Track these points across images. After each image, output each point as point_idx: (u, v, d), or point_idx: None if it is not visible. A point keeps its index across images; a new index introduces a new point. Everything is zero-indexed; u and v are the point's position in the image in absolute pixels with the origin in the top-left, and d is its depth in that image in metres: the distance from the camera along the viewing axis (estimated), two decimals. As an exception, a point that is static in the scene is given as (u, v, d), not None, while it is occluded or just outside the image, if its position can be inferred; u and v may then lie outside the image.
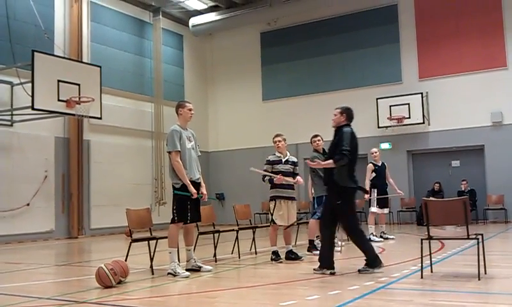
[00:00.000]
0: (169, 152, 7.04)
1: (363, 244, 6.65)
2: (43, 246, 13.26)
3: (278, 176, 8.01)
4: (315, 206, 9.27)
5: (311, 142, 9.46)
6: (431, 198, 6.35)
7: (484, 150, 16.86)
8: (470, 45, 17.11)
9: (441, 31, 17.60)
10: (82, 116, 13.53)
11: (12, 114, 14.16)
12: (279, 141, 8.37)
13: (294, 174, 8.29)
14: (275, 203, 8.16)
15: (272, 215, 8.16)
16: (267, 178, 8.13)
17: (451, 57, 17.36)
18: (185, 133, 7.18)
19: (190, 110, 7.28)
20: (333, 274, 6.43)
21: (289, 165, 8.29)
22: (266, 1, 19.22)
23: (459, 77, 17.22)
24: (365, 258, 6.53)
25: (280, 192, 8.15)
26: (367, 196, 11.15)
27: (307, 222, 9.98)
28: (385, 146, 17.82)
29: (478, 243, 5.90)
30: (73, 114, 13.39)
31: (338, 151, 6.46)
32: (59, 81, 12.85)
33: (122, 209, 8.26)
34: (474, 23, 17.11)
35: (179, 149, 7.00)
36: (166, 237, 7.16)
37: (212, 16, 20.19)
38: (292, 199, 8.32)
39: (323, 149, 9.41)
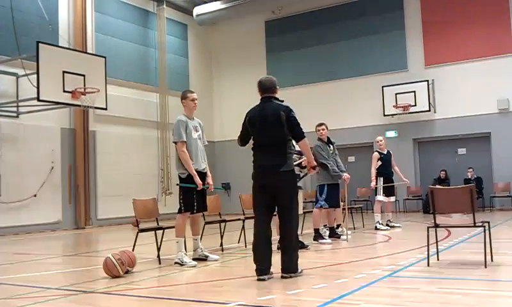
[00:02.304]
0: (175, 142, 7.05)
1: None
2: (51, 237, 13.34)
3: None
4: (318, 194, 9.27)
5: (316, 131, 9.42)
6: (437, 186, 6.31)
7: (491, 138, 16.78)
8: (476, 32, 16.98)
9: (446, 18, 17.47)
10: (88, 106, 13.56)
11: (18, 106, 14.20)
12: None
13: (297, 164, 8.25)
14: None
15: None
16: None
17: (457, 44, 17.24)
18: (191, 123, 7.17)
19: (193, 100, 7.25)
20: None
21: (296, 155, 8.26)
22: (270, -11, 19.16)
23: (465, 64, 17.11)
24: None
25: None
26: (373, 185, 11.16)
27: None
28: (391, 134, 17.77)
29: (484, 230, 5.89)
30: (79, 105, 13.43)
31: None
32: (64, 72, 12.90)
33: (129, 199, 8.28)
34: (480, 9, 16.97)
35: (185, 140, 7.00)
36: (172, 227, 7.18)
37: (217, 5, 20.12)
38: (298, 188, 8.28)
39: (328, 138, 9.38)
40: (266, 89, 5.91)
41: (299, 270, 5.71)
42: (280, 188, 5.65)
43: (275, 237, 8.19)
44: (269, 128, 5.71)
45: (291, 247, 5.67)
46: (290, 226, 5.70)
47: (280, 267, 5.65)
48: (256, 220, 5.78)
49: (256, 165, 5.85)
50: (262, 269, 5.56)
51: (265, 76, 6.13)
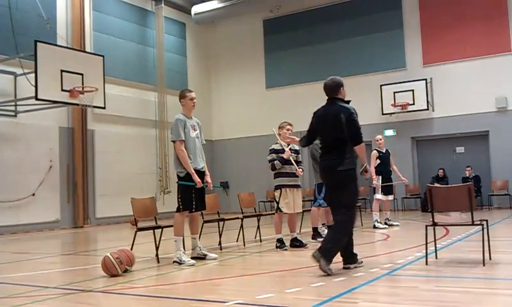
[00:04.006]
0: (174, 141, 7.05)
1: None
2: (49, 236, 13.34)
3: (287, 151, 8.01)
4: (316, 193, 9.27)
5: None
6: (436, 184, 6.32)
7: (489, 136, 16.80)
8: (474, 31, 17.00)
9: (445, 17, 17.48)
10: (86, 105, 13.55)
11: (16, 105, 14.18)
12: (290, 130, 8.33)
13: (296, 163, 8.27)
14: (281, 192, 8.14)
15: (278, 203, 8.16)
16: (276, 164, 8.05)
17: (455, 43, 17.25)
18: (189, 122, 7.17)
19: (192, 99, 7.26)
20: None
21: (293, 154, 8.27)
22: (269, -12, 19.15)
23: (463, 62, 17.13)
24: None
25: (285, 180, 8.14)
26: (374, 183, 11.16)
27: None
28: (389, 132, 17.78)
29: (483, 229, 5.90)
30: (77, 104, 13.41)
31: None
32: (62, 71, 12.87)
33: (127, 198, 8.28)
34: (478, 8, 16.98)
35: (183, 139, 7.00)
36: (171, 226, 7.19)
37: (215, 4, 20.10)
38: (297, 187, 8.31)
39: None
40: (329, 90, 6.05)
41: (359, 261, 5.97)
42: (336, 186, 5.85)
43: (286, 234, 8.21)
44: (329, 129, 5.87)
45: (336, 240, 5.74)
46: (344, 221, 5.81)
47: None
48: (336, 217, 5.99)
49: (320, 165, 6.14)
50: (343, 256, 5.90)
51: (330, 77, 6.16)
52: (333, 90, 6.02)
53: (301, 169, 8.24)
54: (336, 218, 5.90)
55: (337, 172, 5.76)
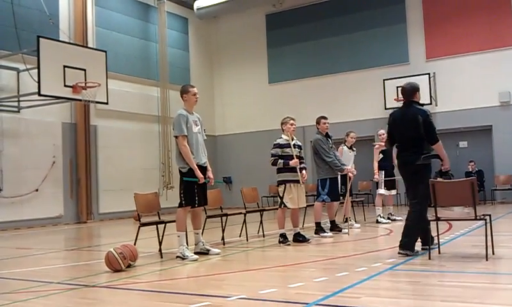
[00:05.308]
0: (176, 136, 7.04)
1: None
2: (53, 231, 13.38)
3: (294, 161, 8.02)
4: (319, 188, 9.26)
5: (318, 123, 9.35)
6: (439, 179, 6.33)
7: (492, 130, 16.76)
8: (478, 25, 16.93)
9: (448, 11, 17.42)
10: (89, 101, 13.56)
11: (19, 101, 14.21)
12: (294, 125, 8.33)
13: (299, 158, 8.25)
14: (285, 187, 8.14)
15: (282, 198, 8.15)
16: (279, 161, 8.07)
17: (458, 37, 17.19)
18: (191, 118, 7.17)
19: (194, 94, 7.26)
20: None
21: (296, 149, 8.26)
22: (271, -17, 19.10)
23: (466, 56, 17.08)
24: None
25: (289, 176, 8.13)
26: (376, 177, 11.14)
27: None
28: (392, 127, 17.70)
29: (486, 224, 5.89)
30: (80, 100, 13.42)
31: None
32: (65, 67, 12.88)
33: (130, 193, 8.30)
34: (481, 2, 16.92)
35: (186, 134, 7.00)
36: (174, 221, 7.20)
37: (217, -1, 20.07)
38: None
39: (326, 132, 9.30)
40: (407, 94, 6.63)
41: (416, 251, 6.31)
42: (413, 179, 6.44)
43: (289, 229, 8.21)
44: (406, 129, 6.43)
45: (413, 228, 6.34)
46: (416, 210, 6.37)
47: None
48: (411, 204, 6.59)
49: (398, 161, 6.70)
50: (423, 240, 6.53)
51: (407, 82, 6.84)
52: (410, 94, 6.61)
53: (304, 173, 8.22)
54: (412, 209, 6.44)
55: (414, 166, 6.33)
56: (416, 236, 6.41)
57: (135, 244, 7.08)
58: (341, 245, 8.11)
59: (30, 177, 14.46)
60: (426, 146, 6.37)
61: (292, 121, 8.34)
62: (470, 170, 16.27)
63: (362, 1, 18.84)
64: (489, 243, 5.91)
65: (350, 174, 9.66)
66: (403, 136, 6.54)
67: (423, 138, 6.32)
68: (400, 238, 6.40)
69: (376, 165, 11.17)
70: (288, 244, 8.04)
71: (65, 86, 12.86)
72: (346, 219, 9.80)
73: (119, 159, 17.05)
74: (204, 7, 20.39)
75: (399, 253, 6.29)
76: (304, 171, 8.24)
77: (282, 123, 8.43)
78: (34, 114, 14.46)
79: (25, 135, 14.50)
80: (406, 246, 6.29)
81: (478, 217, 5.91)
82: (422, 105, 6.62)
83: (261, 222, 9.58)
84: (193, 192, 7.00)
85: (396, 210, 13.84)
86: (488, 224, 5.90)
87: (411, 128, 6.35)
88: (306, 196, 8.78)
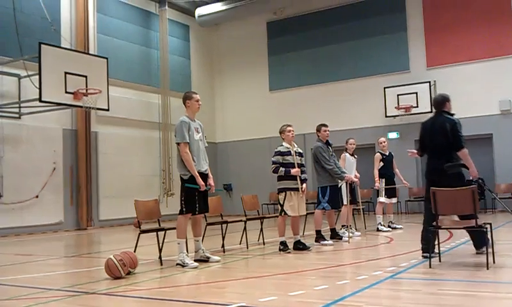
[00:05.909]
0: (178, 143, 7.04)
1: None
2: (53, 238, 13.36)
3: (296, 170, 8.03)
4: (320, 196, 9.25)
5: (318, 131, 9.36)
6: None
7: (493, 139, 16.75)
8: (478, 33, 16.96)
9: (448, 19, 17.46)
10: (90, 107, 13.58)
11: (20, 107, 14.22)
12: (292, 131, 8.35)
13: (300, 165, 8.25)
14: (285, 195, 8.13)
15: (282, 206, 8.15)
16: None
17: (459, 46, 17.22)
18: (193, 125, 7.18)
19: (197, 101, 7.29)
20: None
21: (297, 157, 8.26)
22: (272, -9, 19.16)
23: (467, 65, 17.10)
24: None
25: (290, 183, 8.13)
26: (377, 185, 11.14)
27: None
28: (393, 135, 17.75)
29: (486, 232, 5.88)
30: (81, 106, 13.43)
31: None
32: (66, 73, 12.90)
33: (131, 200, 8.29)
34: (482, 11, 16.95)
35: (188, 141, 7.01)
36: (174, 228, 7.19)
37: (218, 7, 20.13)
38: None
39: (327, 140, 9.31)
40: (438, 104, 7.04)
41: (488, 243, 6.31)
42: (443, 185, 6.44)
43: (290, 236, 8.20)
44: (436, 137, 6.78)
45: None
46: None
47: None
48: (425, 208, 6.91)
49: (427, 167, 6.99)
50: (424, 248, 6.68)
51: (438, 94, 7.31)
52: (441, 104, 6.99)
53: (304, 187, 8.22)
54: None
55: (444, 172, 6.58)
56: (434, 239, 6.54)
57: (135, 251, 7.07)
58: (341, 254, 8.09)
59: (30, 183, 14.45)
60: (455, 154, 6.66)
61: (289, 128, 8.36)
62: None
63: (363, 9, 18.89)
64: (490, 251, 5.89)
65: (356, 180, 9.72)
66: (432, 144, 6.84)
67: (451, 146, 6.63)
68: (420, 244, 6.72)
69: (376, 173, 11.17)
70: (289, 252, 8.02)
71: (66, 92, 12.88)
72: (346, 226, 9.79)
73: (119, 166, 17.05)
74: (205, 14, 20.47)
75: (476, 253, 6.68)
76: (304, 185, 8.24)
77: (281, 132, 8.44)
78: (35, 120, 14.48)
79: (25, 141, 14.50)
80: (478, 246, 6.64)
81: (479, 226, 5.90)
82: (453, 114, 6.92)
83: (261, 229, 9.57)
84: (194, 199, 7.00)
85: (397, 218, 13.84)
86: (489, 233, 5.89)
87: (439, 136, 6.70)
88: (306, 203, 8.77)
